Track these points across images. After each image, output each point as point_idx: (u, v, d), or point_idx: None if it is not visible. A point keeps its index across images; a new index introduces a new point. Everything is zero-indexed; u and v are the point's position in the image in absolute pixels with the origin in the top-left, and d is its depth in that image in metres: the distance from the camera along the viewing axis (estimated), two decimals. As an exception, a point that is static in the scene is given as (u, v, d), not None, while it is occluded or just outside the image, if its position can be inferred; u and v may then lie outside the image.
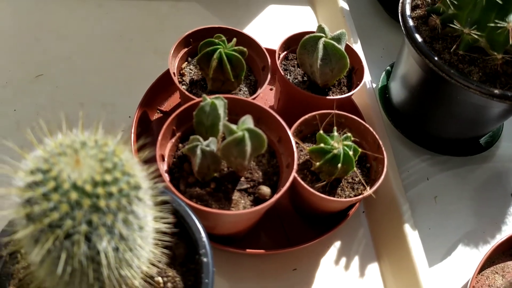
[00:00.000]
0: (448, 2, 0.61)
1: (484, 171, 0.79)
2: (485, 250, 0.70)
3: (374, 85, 0.85)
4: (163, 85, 0.74)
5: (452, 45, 0.64)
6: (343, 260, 0.67)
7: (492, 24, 0.58)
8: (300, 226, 0.68)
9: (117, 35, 0.86)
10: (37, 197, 0.32)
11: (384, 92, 0.83)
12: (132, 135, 0.68)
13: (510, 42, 0.57)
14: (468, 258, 0.70)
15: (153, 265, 0.46)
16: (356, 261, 0.68)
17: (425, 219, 0.73)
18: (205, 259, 0.47)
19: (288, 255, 0.66)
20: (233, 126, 0.52)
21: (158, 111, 0.76)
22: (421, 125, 0.77)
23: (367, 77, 0.79)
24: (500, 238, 0.67)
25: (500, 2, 0.57)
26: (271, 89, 0.81)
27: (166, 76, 0.73)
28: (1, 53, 0.80)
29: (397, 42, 0.95)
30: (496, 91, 0.60)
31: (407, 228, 0.65)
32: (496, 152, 0.82)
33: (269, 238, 0.67)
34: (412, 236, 0.64)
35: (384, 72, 0.86)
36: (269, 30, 0.91)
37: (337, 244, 0.68)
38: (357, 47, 0.83)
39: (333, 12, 0.91)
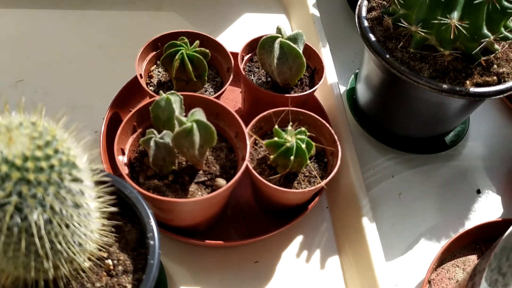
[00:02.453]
0: (397, 3, 0.64)
1: (449, 169, 0.81)
2: (447, 244, 0.71)
3: (344, 88, 0.88)
4: (135, 88, 0.78)
5: (404, 44, 0.66)
6: (305, 253, 0.69)
7: (436, 21, 0.60)
8: (262, 220, 0.70)
9: (98, 43, 0.90)
10: (-30, 170, 0.35)
11: (352, 94, 0.86)
12: (102, 133, 0.71)
13: (452, 37, 0.59)
14: (430, 252, 0.72)
15: (103, 247, 0.49)
16: (317, 254, 0.69)
17: (389, 215, 0.75)
18: (151, 242, 0.50)
19: (250, 248, 0.68)
20: (184, 118, 0.55)
21: (130, 112, 0.79)
22: (386, 124, 0.79)
23: (333, 79, 0.82)
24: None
25: (442, 0, 0.59)
26: (241, 92, 0.84)
27: (137, 79, 0.77)
28: (-14, 60, 0.84)
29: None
30: (445, 86, 0.63)
31: (366, 221, 0.67)
32: (462, 150, 0.84)
33: (232, 232, 0.69)
34: (370, 229, 0.66)
35: (353, 75, 0.89)
36: (244, 37, 0.94)
37: (299, 238, 0.70)
38: (325, 51, 0.86)
39: (305, 19, 0.94)
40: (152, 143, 0.56)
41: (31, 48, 0.88)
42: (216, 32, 0.95)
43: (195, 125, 0.54)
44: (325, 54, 0.85)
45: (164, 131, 0.57)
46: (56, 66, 0.85)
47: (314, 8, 0.93)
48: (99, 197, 0.45)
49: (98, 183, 0.44)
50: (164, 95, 0.58)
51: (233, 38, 0.94)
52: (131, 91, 0.78)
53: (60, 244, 0.40)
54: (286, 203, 0.66)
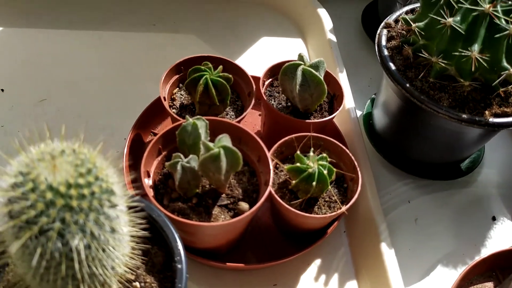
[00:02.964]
0: (418, 34, 0.66)
1: (465, 195, 0.82)
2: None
3: (360, 113, 0.89)
4: (157, 109, 0.79)
5: (424, 73, 0.68)
6: (323, 277, 0.70)
7: (457, 53, 0.62)
8: (281, 244, 0.71)
9: (118, 64, 0.92)
10: (17, 196, 0.36)
11: (368, 119, 0.87)
12: (124, 155, 0.73)
13: (473, 69, 0.60)
14: (446, 278, 0.72)
15: (132, 270, 0.50)
16: (335, 279, 0.70)
17: (405, 240, 0.76)
18: (179, 266, 0.51)
19: (269, 271, 0.69)
20: (211, 144, 0.56)
21: (151, 133, 0.80)
22: (402, 150, 0.81)
23: (350, 104, 0.83)
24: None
25: (463, 33, 0.61)
26: (259, 115, 0.86)
27: (159, 100, 0.78)
28: (12, 79, 0.86)
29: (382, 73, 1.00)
30: (464, 116, 0.64)
31: (384, 246, 0.68)
32: (478, 177, 0.84)
33: (251, 254, 0.70)
34: (388, 254, 0.67)
35: (369, 100, 0.90)
36: (261, 60, 0.96)
37: (317, 262, 0.71)
38: (343, 76, 0.87)
39: (322, 44, 0.96)
40: (179, 167, 0.57)
41: (53, 68, 0.89)
42: (235, 55, 0.97)
43: (222, 151, 0.55)
44: (342, 79, 0.86)
45: (191, 156, 0.58)
46: (78, 86, 0.87)
47: (331, 34, 0.95)
48: (131, 221, 0.46)
49: (130, 207, 0.45)
50: (190, 120, 0.60)
51: (252, 61, 0.96)
52: (153, 113, 0.80)
53: (96, 268, 0.41)
54: (306, 227, 0.67)
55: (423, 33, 0.65)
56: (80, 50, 0.94)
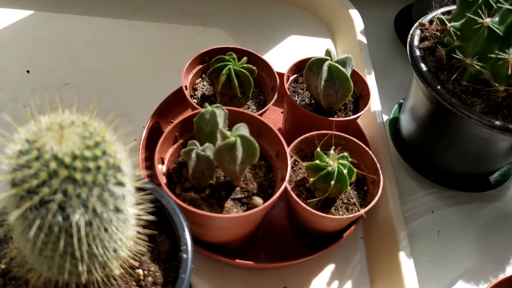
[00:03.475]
0: (453, 34, 0.63)
1: (492, 210, 0.78)
2: (486, 289, 0.68)
3: (386, 117, 0.86)
4: (178, 99, 0.78)
5: (457, 76, 0.64)
6: (336, 283, 0.67)
7: (493, 56, 0.58)
8: (295, 244, 0.68)
9: (145, 53, 0.91)
10: (21, 164, 0.35)
11: (394, 124, 0.84)
12: (141, 142, 0.72)
13: (509, 73, 0.57)
14: (467, 295, 0.68)
15: (136, 256, 0.48)
16: (348, 285, 0.67)
17: (426, 251, 0.72)
18: (185, 255, 0.49)
19: (279, 271, 0.66)
20: (228, 133, 0.54)
21: (171, 123, 0.79)
22: (429, 158, 0.77)
23: (376, 107, 0.80)
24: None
25: (501, 34, 0.58)
26: (282, 112, 0.84)
27: (180, 91, 0.77)
28: (36, 61, 0.86)
29: (412, 76, 0.96)
30: (497, 123, 0.60)
31: (402, 256, 0.64)
32: (507, 192, 0.80)
33: (262, 253, 0.67)
34: (407, 264, 0.63)
35: (396, 105, 0.87)
36: (288, 57, 0.94)
37: (331, 267, 0.68)
38: (370, 78, 0.84)
39: (352, 45, 0.93)
40: (193, 155, 0.55)
41: (80, 53, 0.90)
42: (261, 51, 0.95)
43: (239, 140, 0.53)
44: (370, 81, 0.84)
45: (206, 144, 0.56)
46: (102, 72, 0.87)
47: (362, 35, 0.92)
48: (139, 204, 0.44)
49: (138, 189, 0.44)
50: (209, 107, 0.58)
51: (278, 58, 0.94)
52: (174, 103, 0.78)
53: (97, 247, 0.40)
54: (321, 228, 0.64)
55: (458, 33, 0.62)
56: (109, 37, 0.94)
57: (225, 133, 0.53)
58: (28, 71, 0.85)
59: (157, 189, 0.52)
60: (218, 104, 0.59)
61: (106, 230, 0.40)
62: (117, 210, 0.40)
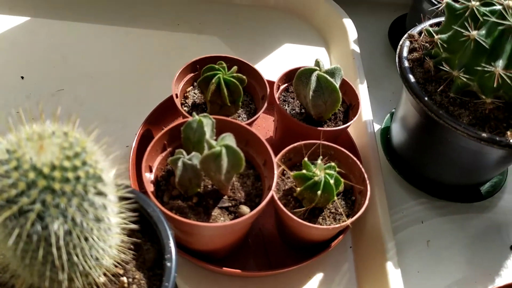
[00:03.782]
0: (440, 46, 0.63)
1: (482, 221, 0.78)
2: (474, 300, 0.68)
3: (378, 126, 0.86)
4: (170, 107, 0.78)
5: (445, 88, 0.65)
6: (323, 292, 0.67)
7: (480, 68, 0.59)
8: (283, 253, 0.68)
9: (138, 60, 0.92)
10: (0, 174, 0.36)
11: (386, 133, 0.84)
12: (132, 149, 0.72)
13: (495, 85, 0.57)
14: (455, 306, 0.68)
15: (120, 264, 0.48)
16: (336, 295, 0.67)
17: (415, 261, 0.72)
18: (168, 264, 0.49)
19: (268, 280, 0.66)
20: (213, 142, 0.54)
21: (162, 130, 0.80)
22: (419, 168, 0.77)
23: (368, 117, 0.81)
24: (489, 288, 0.65)
25: (488, 47, 0.58)
26: (274, 121, 0.84)
27: (172, 98, 0.78)
28: (30, 67, 0.87)
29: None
30: (484, 135, 0.60)
31: (390, 266, 0.64)
32: (498, 203, 0.80)
33: (251, 262, 0.67)
34: (394, 274, 0.63)
35: (388, 114, 0.87)
36: (281, 66, 0.95)
37: (319, 276, 0.68)
38: (362, 88, 0.85)
39: (345, 54, 0.94)
40: (180, 163, 0.56)
41: (74, 59, 0.90)
42: (255, 59, 0.96)
43: (224, 150, 0.53)
44: (362, 90, 0.84)
45: (193, 153, 0.57)
46: (96, 79, 0.88)
47: (355, 44, 0.93)
48: (122, 212, 0.45)
49: (122, 198, 0.44)
50: (196, 117, 0.58)
51: (271, 66, 0.95)
52: (166, 110, 0.79)
53: (77, 256, 0.40)
54: (309, 238, 0.65)
55: (445, 45, 0.62)
56: (104, 44, 0.95)
57: (210, 143, 0.54)
58: (22, 77, 0.85)
59: (142, 198, 0.52)
60: (205, 114, 0.59)
61: (86, 239, 0.40)
62: (98, 219, 0.40)
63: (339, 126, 0.73)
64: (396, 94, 0.95)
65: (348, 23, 0.97)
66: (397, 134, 0.79)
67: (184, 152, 0.57)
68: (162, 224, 0.52)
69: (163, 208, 0.54)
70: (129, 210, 0.45)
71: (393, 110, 0.88)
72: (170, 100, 0.78)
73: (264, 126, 0.83)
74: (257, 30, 1.03)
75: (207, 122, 0.59)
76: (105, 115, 0.82)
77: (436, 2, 0.86)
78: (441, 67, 0.64)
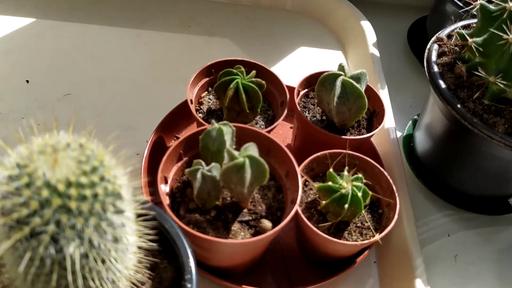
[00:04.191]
0: (474, 50, 0.59)
1: (511, 234, 0.74)
2: (506, 319, 0.64)
3: (400, 134, 0.83)
4: (183, 113, 0.75)
5: (479, 95, 0.61)
6: (347, 311, 0.63)
7: (520, 74, 0.55)
8: (305, 269, 0.65)
9: (149, 64, 0.89)
10: (10, 191, 0.32)
11: (408, 141, 0.80)
12: (144, 157, 0.68)
13: (537, 93, 0.54)
14: (487, 326, 0.64)
15: (136, 285, 0.45)
16: (361, 313, 0.63)
17: (442, 278, 0.68)
18: (189, 285, 0.45)
19: (288, 298, 0.62)
20: (235, 152, 0.51)
21: (175, 138, 0.76)
22: (445, 178, 0.73)
23: (390, 124, 0.77)
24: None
25: (529, 51, 0.54)
26: (291, 127, 0.80)
27: (186, 104, 0.74)
28: (36, 71, 0.84)
29: (428, 93, 0.93)
30: (522, 145, 0.57)
31: (419, 283, 0.60)
32: (527, 214, 0.76)
33: (270, 278, 0.64)
34: (423, 293, 0.60)
35: (411, 121, 0.84)
36: (298, 70, 0.91)
37: (342, 293, 0.64)
38: (384, 93, 0.81)
39: (363, 58, 0.90)
40: (199, 175, 0.52)
41: (82, 63, 0.87)
42: (270, 62, 0.92)
43: (247, 161, 0.50)
44: (383, 96, 0.80)
45: (213, 164, 0.53)
46: (105, 83, 0.84)
47: (374, 48, 0.89)
48: (139, 230, 0.41)
49: (139, 215, 0.40)
50: (216, 125, 0.55)
51: (287, 70, 0.91)
52: (178, 116, 0.75)
53: (93, 280, 0.36)
54: (333, 254, 0.61)
55: (481, 49, 0.58)
56: (113, 47, 0.91)
57: (232, 153, 0.50)
58: (27, 81, 0.82)
59: (160, 212, 0.49)
60: (225, 121, 0.55)
61: (103, 261, 0.36)
62: (116, 240, 0.36)
63: (362, 134, 0.69)
64: (417, 100, 0.91)
65: (367, 25, 0.93)
66: (422, 142, 0.75)
67: (203, 163, 0.53)
68: (181, 241, 0.48)
69: (181, 224, 0.50)
70: (148, 227, 0.41)
71: (415, 116, 0.84)
72: (183, 106, 0.75)
73: (281, 133, 0.80)
74: (270, 32, 0.99)
75: (227, 131, 0.55)
76: (116, 121, 0.78)
77: (461, 4, 0.83)
78: (474, 73, 0.60)
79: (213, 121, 0.56)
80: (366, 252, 0.63)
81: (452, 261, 0.70)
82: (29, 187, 0.32)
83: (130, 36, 0.93)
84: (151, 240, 0.42)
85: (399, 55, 1.00)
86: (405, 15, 1.06)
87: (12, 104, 0.78)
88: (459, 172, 0.71)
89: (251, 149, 0.51)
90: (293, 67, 0.92)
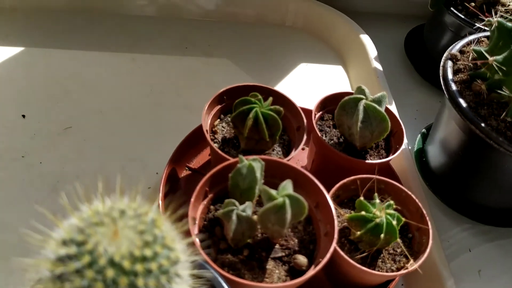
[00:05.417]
0: (496, 68, 0.59)
1: (530, 244, 0.74)
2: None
3: (410, 148, 0.82)
4: (193, 141, 0.72)
5: (499, 111, 0.61)
6: (381, 338, 0.62)
7: (544, 92, 0.55)
8: (335, 299, 0.63)
9: (148, 89, 0.85)
10: (69, 273, 0.29)
11: (420, 155, 0.80)
12: (160, 193, 0.65)
13: None
14: None
15: None
16: None
17: (468, 295, 0.68)
18: None
19: (321, 330, 0.61)
20: (273, 192, 0.49)
21: (186, 168, 0.73)
22: (462, 192, 0.73)
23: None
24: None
25: (554, 69, 0.54)
26: (303, 149, 0.79)
27: (196, 132, 0.71)
28: (32, 104, 0.79)
29: (431, 103, 0.93)
30: (549, 162, 0.57)
31: (452, 305, 0.60)
32: (543, 223, 0.77)
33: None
34: (458, 315, 0.59)
35: (419, 135, 0.83)
36: (300, 88, 0.90)
37: (374, 320, 0.63)
38: (393, 109, 0.80)
39: (366, 73, 0.89)
40: (234, 217, 0.49)
41: (78, 92, 0.83)
42: (271, 81, 0.90)
43: (287, 201, 0.48)
44: (394, 113, 0.79)
45: (246, 203, 0.51)
46: (106, 113, 0.80)
47: (376, 62, 0.89)
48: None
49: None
50: (245, 161, 0.52)
51: (289, 88, 0.89)
52: (189, 145, 0.72)
53: None
54: (367, 283, 0.59)
55: (503, 68, 0.58)
56: (109, 73, 0.87)
57: (271, 193, 0.48)
58: (23, 116, 0.77)
59: (202, 263, 0.46)
60: (255, 157, 0.53)
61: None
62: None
63: (382, 155, 0.68)
64: (421, 112, 0.91)
65: (366, 39, 0.93)
66: (436, 157, 0.75)
67: (237, 203, 0.51)
68: (224, 290, 0.45)
69: (221, 271, 0.48)
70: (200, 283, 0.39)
71: (424, 130, 0.84)
72: (193, 135, 0.72)
73: (295, 157, 0.77)
74: (269, 50, 0.97)
75: (257, 166, 0.53)
76: (120, 154, 0.74)
77: (461, 16, 0.83)
78: (496, 90, 0.60)
79: (240, 156, 0.53)
80: (397, 278, 0.62)
81: (476, 276, 0.70)
82: (91, 267, 0.29)
83: (125, 60, 0.90)
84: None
85: (397, 66, 1.00)
86: (400, 25, 1.06)
87: (9, 142, 0.73)
88: (478, 186, 0.71)
89: (288, 186, 0.49)
90: (295, 85, 0.91)
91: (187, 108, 0.82)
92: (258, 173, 0.53)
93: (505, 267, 0.71)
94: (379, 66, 0.88)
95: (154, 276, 0.30)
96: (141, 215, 0.32)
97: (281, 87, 0.90)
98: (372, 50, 0.91)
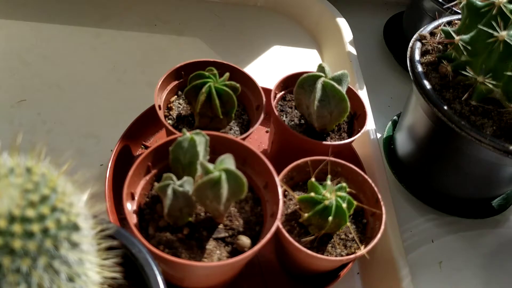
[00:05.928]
0: (461, 48, 0.56)
1: (496, 237, 0.72)
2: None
3: (379, 135, 0.79)
4: (150, 119, 0.69)
5: (464, 95, 0.58)
6: (332, 327, 0.59)
7: (510, 73, 0.52)
8: (285, 284, 0.60)
9: (111, 66, 0.82)
10: None
11: (389, 143, 0.77)
12: (108, 169, 0.62)
13: (528, 94, 0.51)
14: (476, 336, 0.62)
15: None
16: (346, 330, 0.59)
17: (427, 286, 0.65)
18: (160, 318, 0.40)
19: (269, 317, 0.58)
20: (210, 166, 0.46)
21: (142, 146, 0.70)
22: (428, 181, 0.70)
23: (371, 126, 0.73)
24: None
25: (518, 49, 0.51)
26: (267, 131, 0.76)
27: (153, 109, 0.68)
28: (-13, 75, 0.76)
29: (406, 91, 0.90)
30: (512, 148, 0.54)
31: (406, 295, 0.57)
32: (510, 217, 0.74)
33: (249, 296, 0.59)
34: (412, 306, 0.56)
35: (390, 122, 0.80)
36: (272, 70, 0.87)
37: (325, 308, 0.60)
38: (363, 94, 0.78)
39: (340, 56, 0.86)
40: (169, 191, 0.47)
41: (37, 65, 0.80)
42: (242, 62, 0.87)
43: (224, 175, 0.45)
44: (363, 97, 0.76)
45: (185, 178, 0.48)
46: (64, 87, 0.77)
47: (351, 46, 0.86)
48: (101, 261, 0.35)
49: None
50: (187, 134, 0.50)
51: (260, 70, 0.86)
52: (145, 123, 0.70)
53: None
54: (317, 269, 0.57)
55: (468, 47, 0.55)
56: (71, 48, 0.84)
57: (207, 167, 0.45)
58: (-23, 86, 0.74)
59: (125, 235, 0.43)
60: (198, 130, 0.50)
61: (58, 305, 0.31)
62: (72, 279, 0.31)
63: (343, 137, 0.65)
64: (396, 99, 0.88)
65: (342, 23, 0.90)
66: (403, 144, 0.72)
67: (174, 177, 0.48)
68: (150, 268, 0.42)
69: (151, 247, 0.45)
70: (112, 256, 0.36)
71: (395, 117, 0.81)
72: (150, 112, 0.69)
73: (256, 138, 0.75)
74: (243, 31, 0.94)
75: (201, 140, 0.50)
76: (76, 130, 0.71)
77: (440, 0, 0.80)
78: (462, 72, 0.57)
79: (184, 130, 0.51)
80: (350, 265, 0.59)
81: (436, 268, 0.67)
82: (-39, 226, 0.26)
83: (89, 35, 0.87)
84: (117, 271, 0.36)
85: (375, 52, 0.97)
86: (380, 11, 1.03)
87: (-41, 112, 0.71)
88: (443, 175, 0.68)
89: (228, 161, 0.47)
90: (267, 67, 0.88)
91: (150, 86, 0.79)
92: (201, 148, 0.50)
93: (467, 260, 0.68)
94: (353, 51, 0.85)
95: (36, 240, 0.27)
96: (33, 174, 0.29)
97: (253, 68, 0.87)
98: (347, 34, 0.88)
